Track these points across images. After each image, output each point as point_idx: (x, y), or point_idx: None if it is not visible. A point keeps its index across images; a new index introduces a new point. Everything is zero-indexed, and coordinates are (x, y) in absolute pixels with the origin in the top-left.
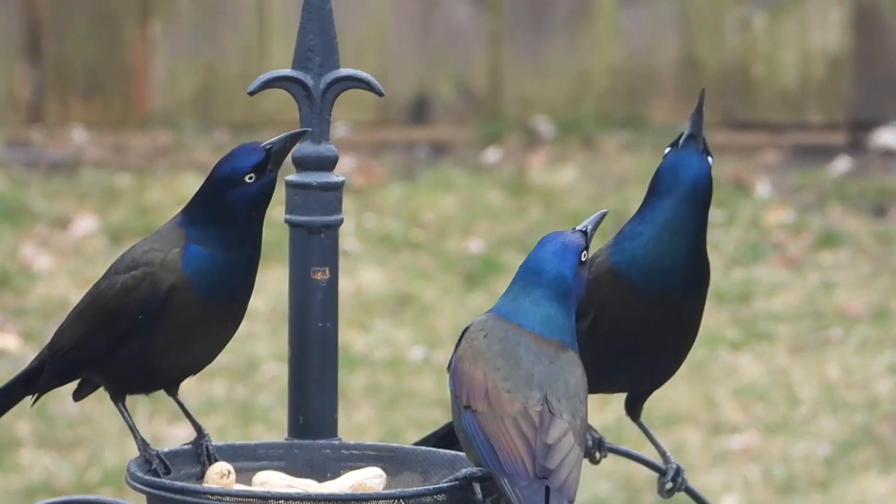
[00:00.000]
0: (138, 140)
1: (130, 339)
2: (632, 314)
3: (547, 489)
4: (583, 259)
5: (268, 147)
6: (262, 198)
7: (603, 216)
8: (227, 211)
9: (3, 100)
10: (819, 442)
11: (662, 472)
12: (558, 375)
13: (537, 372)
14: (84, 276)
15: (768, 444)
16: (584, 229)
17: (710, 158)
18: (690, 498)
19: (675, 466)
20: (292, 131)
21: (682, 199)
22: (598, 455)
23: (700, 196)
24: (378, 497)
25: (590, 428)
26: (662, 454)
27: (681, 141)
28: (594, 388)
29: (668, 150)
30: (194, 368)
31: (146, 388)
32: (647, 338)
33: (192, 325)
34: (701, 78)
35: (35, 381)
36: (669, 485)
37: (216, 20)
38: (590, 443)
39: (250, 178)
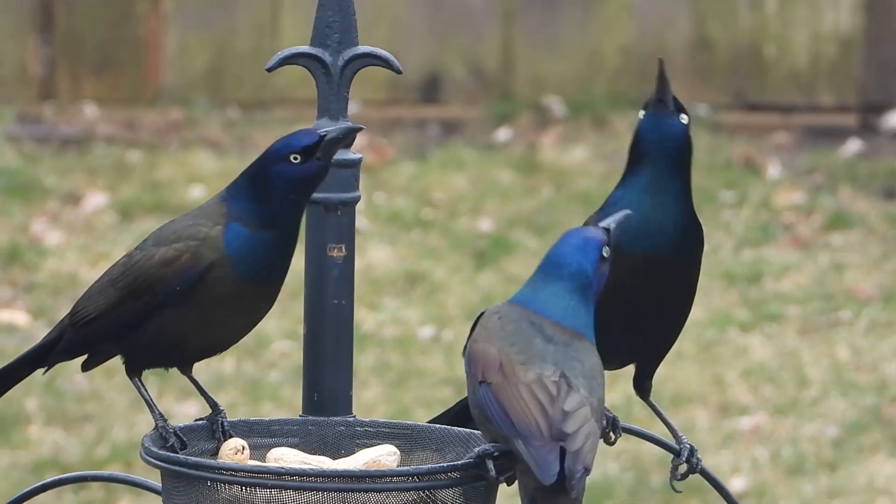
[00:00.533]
0: (149, 116)
1: (162, 311)
2: (622, 279)
3: (562, 450)
4: (604, 254)
5: (322, 133)
6: (303, 181)
7: (626, 216)
8: (266, 185)
9: (14, 75)
10: (828, 423)
11: (676, 453)
12: (573, 357)
13: (551, 351)
14: (94, 252)
15: (777, 425)
16: (606, 226)
17: (684, 116)
18: (704, 479)
19: (688, 447)
20: (351, 125)
21: (659, 160)
22: (612, 436)
23: (676, 156)
24: (392, 474)
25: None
26: (675, 434)
27: (649, 106)
28: None
29: (641, 114)
30: (221, 347)
31: (167, 363)
32: (640, 303)
33: (227, 302)
34: (712, 58)
35: (48, 354)
36: (684, 467)
37: None
38: (604, 423)
39: (296, 158)
